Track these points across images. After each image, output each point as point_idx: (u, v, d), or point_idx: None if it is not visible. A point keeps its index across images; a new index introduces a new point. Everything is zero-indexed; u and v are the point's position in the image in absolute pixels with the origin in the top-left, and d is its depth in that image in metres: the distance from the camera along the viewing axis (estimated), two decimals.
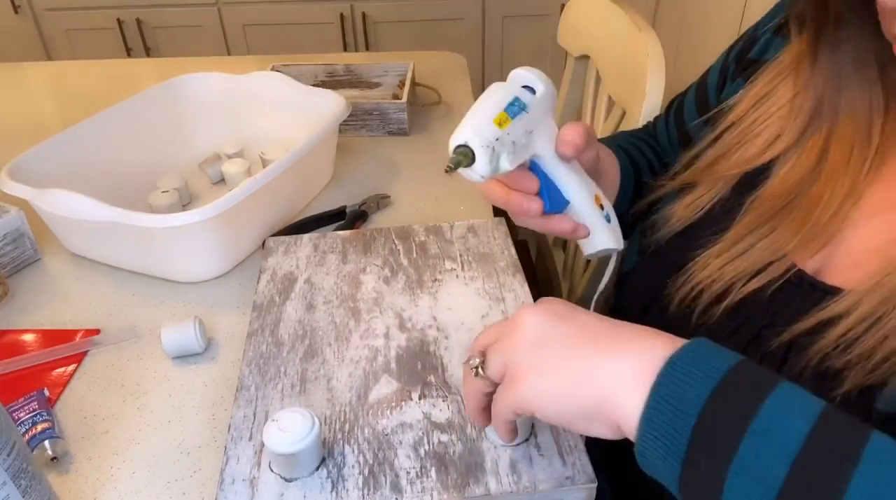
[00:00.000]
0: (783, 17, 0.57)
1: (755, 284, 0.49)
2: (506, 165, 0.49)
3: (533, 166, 0.53)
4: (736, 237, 0.51)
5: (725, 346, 0.51)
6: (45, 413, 0.57)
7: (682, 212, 0.57)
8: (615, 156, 0.66)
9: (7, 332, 0.70)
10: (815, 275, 0.49)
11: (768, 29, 0.59)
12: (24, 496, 0.45)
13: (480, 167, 0.48)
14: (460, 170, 0.48)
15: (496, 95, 0.50)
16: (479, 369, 0.43)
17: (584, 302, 0.76)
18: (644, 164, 0.69)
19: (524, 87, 0.52)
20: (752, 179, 0.53)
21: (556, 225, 0.55)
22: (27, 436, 0.55)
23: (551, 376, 0.38)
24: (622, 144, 0.69)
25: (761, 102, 0.55)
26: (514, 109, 0.50)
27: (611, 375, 0.37)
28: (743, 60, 0.61)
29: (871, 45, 0.48)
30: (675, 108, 0.72)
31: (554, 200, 0.54)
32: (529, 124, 0.51)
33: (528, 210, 0.55)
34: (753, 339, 0.49)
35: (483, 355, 0.43)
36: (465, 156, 0.47)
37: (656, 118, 0.76)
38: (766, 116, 0.54)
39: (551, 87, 0.53)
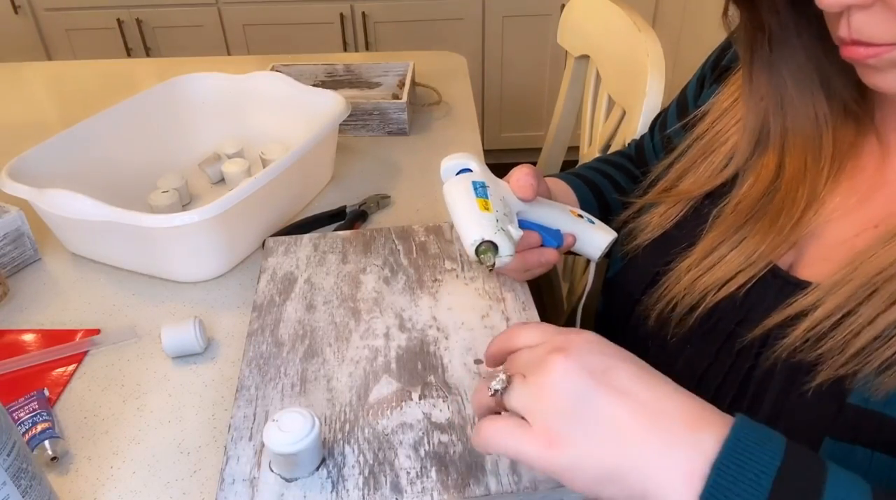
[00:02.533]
0: None
1: (725, 291, 0.51)
2: (516, 232, 0.54)
3: (521, 224, 0.58)
4: (704, 252, 0.53)
5: (700, 346, 0.53)
6: (45, 413, 0.57)
7: (656, 221, 0.59)
8: (567, 184, 0.70)
9: (7, 332, 0.70)
10: (788, 270, 0.50)
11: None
12: (24, 496, 0.45)
13: (505, 248, 0.52)
14: (495, 261, 0.52)
15: (460, 193, 0.55)
16: (500, 394, 0.40)
17: (573, 311, 0.79)
18: (607, 184, 0.73)
19: (461, 172, 0.58)
20: (719, 190, 0.56)
21: (554, 256, 0.61)
22: (27, 436, 0.55)
23: (591, 457, 0.37)
24: (578, 171, 0.74)
25: (723, 114, 0.58)
26: (481, 190, 0.55)
27: (657, 474, 0.36)
28: (718, 68, 0.63)
29: (811, 58, 0.49)
30: (659, 121, 0.75)
31: (553, 236, 0.60)
32: (495, 193, 0.56)
33: (548, 260, 0.60)
34: (728, 336, 0.51)
35: (508, 379, 0.40)
36: (489, 249, 0.52)
37: (641, 136, 0.79)
38: (728, 127, 0.57)
39: (474, 157, 0.59)
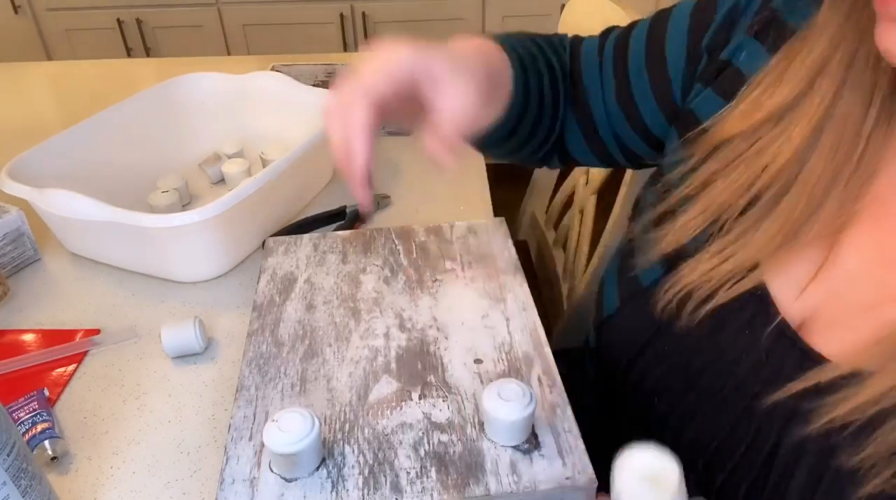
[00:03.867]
0: (761, 17, 0.51)
1: (737, 289, 0.46)
2: None
3: None
4: (726, 239, 0.47)
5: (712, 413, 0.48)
6: (45, 413, 0.57)
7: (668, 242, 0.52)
8: (507, 59, 0.60)
9: (7, 332, 0.70)
10: (800, 329, 0.45)
11: (741, 30, 0.53)
12: (24, 496, 0.45)
13: None
14: None
15: None
16: None
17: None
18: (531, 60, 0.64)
19: None
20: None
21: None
22: (27, 436, 0.55)
23: None
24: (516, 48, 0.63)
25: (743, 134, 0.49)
26: None
27: None
28: (714, 59, 0.54)
29: None
30: (615, 47, 0.67)
31: None
32: None
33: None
34: (744, 397, 0.46)
35: None
36: None
37: (579, 40, 0.71)
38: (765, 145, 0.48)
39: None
